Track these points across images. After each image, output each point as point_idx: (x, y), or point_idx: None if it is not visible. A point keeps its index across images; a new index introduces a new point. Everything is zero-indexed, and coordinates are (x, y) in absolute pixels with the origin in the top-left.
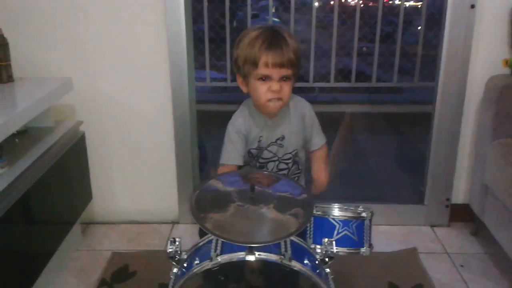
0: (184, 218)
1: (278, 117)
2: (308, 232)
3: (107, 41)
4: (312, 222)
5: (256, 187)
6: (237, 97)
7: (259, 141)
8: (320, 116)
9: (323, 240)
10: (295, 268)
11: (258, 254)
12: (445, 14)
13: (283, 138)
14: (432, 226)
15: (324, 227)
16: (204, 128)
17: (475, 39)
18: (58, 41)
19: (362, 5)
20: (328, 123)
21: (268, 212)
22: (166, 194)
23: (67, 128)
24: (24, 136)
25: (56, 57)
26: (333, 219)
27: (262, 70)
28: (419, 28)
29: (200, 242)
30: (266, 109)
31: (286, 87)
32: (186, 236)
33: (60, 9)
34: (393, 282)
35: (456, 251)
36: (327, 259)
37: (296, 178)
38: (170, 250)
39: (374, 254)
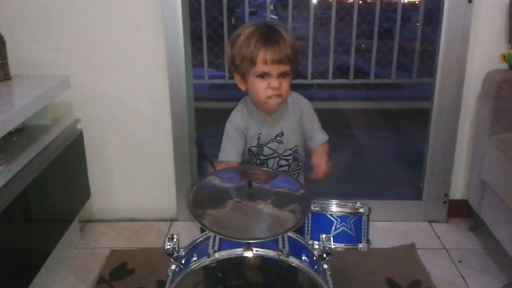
0: (182, 216)
1: (276, 113)
2: (306, 228)
3: (104, 38)
4: (309, 218)
5: (253, 183)
6: (236, 95)
7: (259, 138)
8: (318, 112)
9: (321, 236)
10: (292, 264)
11: (256, 250)
12: (443, 9)
13: (282, 134)
14: (430, 222)
15: (322, 223)
16: (202, 125)
17: (472, 34)
18: (55, 39)
19: (360, 2)
20: (327, 120)
21: (266, 208)
22: (164, 191)
23: (65, 126)
24: (22, 134)
25: (53, 55)
26: (331, 215)
27: (260, 67)
28: (417, 24)
29: (198, 239)
30: (266, 106)
31: (285, 83)
32: (184, 233)
33: (57, 7)
34: (391, 278)
35: (454, 247)
36: (325, 255)
37: (296, 175)
38: (168, 247)
39: (372, 250)
